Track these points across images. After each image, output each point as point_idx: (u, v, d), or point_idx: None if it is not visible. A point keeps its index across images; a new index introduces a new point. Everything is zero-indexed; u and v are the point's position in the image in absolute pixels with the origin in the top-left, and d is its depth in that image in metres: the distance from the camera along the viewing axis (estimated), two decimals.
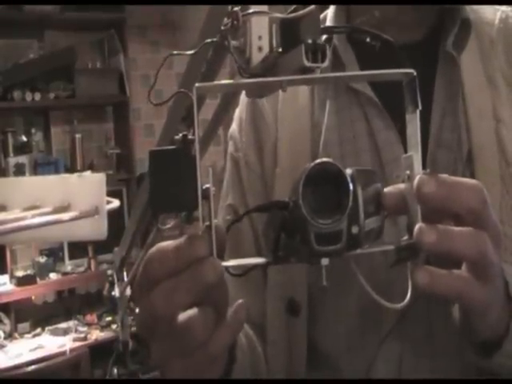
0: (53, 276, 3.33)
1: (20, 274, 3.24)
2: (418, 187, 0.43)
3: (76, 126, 3.52)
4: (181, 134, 0.43)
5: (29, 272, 3.26)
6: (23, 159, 3.27)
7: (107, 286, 0.98)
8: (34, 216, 0.40)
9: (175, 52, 0.49)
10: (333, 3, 0.76)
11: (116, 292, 0.94)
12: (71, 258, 3.44)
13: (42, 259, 3.32)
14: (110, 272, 0.98)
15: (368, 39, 0.47)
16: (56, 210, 0.42)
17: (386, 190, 0.46)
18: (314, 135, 0.72)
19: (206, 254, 0.42)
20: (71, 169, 3.44)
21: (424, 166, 0.45)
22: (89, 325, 3.32)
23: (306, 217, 0.41)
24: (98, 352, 3.07)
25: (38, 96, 3.22)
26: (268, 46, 0.43)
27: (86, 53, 3.54)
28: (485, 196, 0.45)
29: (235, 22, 0.43)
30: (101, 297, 3.32)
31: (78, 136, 3.48)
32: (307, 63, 0.41)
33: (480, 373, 0.60)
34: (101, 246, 3.28)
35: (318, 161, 0.42)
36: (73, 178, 0.45)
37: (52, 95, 3.28)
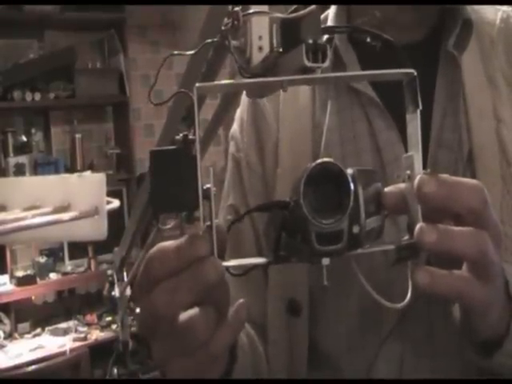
0: (53, 276, 3.33)
1: (20, 273, 3.24)
2: (419, 187, 0.43)
3: (76, 126, 3.52)
4: (181, 134, 0.43)
5: (29, 272, 3.26)
6: (23, 159, 3.27)
7: (107, 286, 0.98)
8: (34, 216, 0.40)
9: (175, 52, 0.49)
10: (333, 3, 0.76)
11: (116, 292, 0.94)
12: (71, 258, 3.44)
13: (42, 259, 3.32)
14: (109, 272, 0.98)
15: (369, 39, 0.47)
16: (56, 210, 0.42)
17: (386, 189, 0.46)
18: (316, 135, 0.72)
19: (206, 254, 0.42)
20: (71, 169, 3.44)
21: (425, 166, 0.45)
22: (89, 325, 3.32)
23: (307, 216, 0.41)
24: (98, 352, 3.07)
25: (38, 96, 3.22)
26: (268, 45, 0.43)
27: (85, 53, 3.54)
28: (485, 196, 0.45)
29: (236, 22, 0.43)
30: (101, 297, 3.32)
31: (77, 136, 3.48)
32: (308, 63, 0.41)
33: (481, 373, 0.60)
34: (101, 246, 3.28)
35: (319, 161, 0.42)
36: (73, 177, 0.45)
37: (52, 95, 3.28)
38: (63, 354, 3.00)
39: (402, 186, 0.46)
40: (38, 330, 3.26)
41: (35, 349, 3.04)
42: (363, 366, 0.69)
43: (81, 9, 3.29)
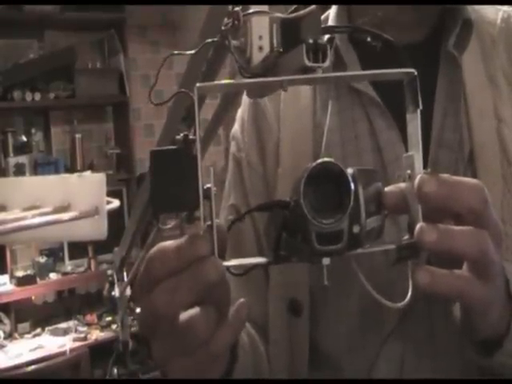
0: (53, 276, 3.33)
1: (20, 273, 3.24)
2: (419, 186, 0.43)
3: (76, 126, 3.52)
4: (182, 134, 0.43)
5: (29, 272, 3.26)
6: (23, 159, 3.27)
7: (107, 286, 0.98)
8: (34, 216, 0.40)
9: (176, 52, 0.49)
10: (334, 3, 0.76)
11: (116, 292, 0.94)
12: (71, 257, 3.44)
13: (42, 259, 3.32)
14: (109, 272, 0.98)
15: (369, 39, 0.47)
16: (56, 210, 0.42)
17: (386, 189, 0.46)
18: (316, 135, 0.72)
19: (207, 254, 0.42)
20: (71, 169, 3.44)
21: (425, 167, 0.45)
22: (89, 325, 3.32)
23: (308, 216, 0.41)
24: (98, 352, 3.07)
25: (37, 96, 3.22)
26: (268, 45, 0.43)
27: (86, 53, 3.54)
28: (485, 195, 0.45)
29: (236, 22, 0.43)
30: (101, 297, 3.32)
31: (77, 136, 3.48)
32: (308, 63, 0.41)
33: (482, 373, 0.60)
34: (101, 246, 3.28)
35: (319, 160, 0.42)
36: (73, 178, 0.45)
37: (52, 95, 3.28)
38: (63, 353, 3.00)
39: (403, 185, 0.46)
40: (38, 330, 3.26)
41: (35, 349, 3.04)
42: (364, 365, 0.69)
43: (81, 9, 3.29)
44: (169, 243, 0.44)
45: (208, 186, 0.42)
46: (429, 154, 0.67)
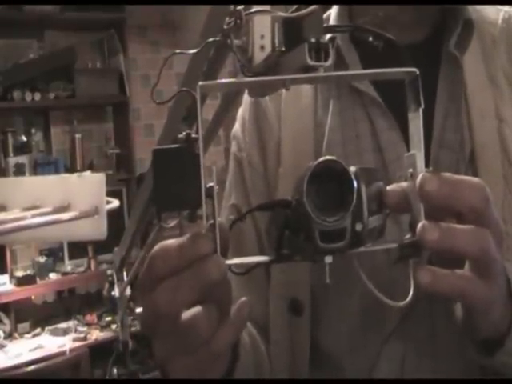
0: (53, 276, 3.33)
1: (20, 274, 3.24)
2: (421, 185, 0.44)
3: (76, 126, 3.52)
4: (184, 133, 0.43)
5: (29, 272, 3.26)
6: (23, 159, 3.27)
7: (107, 286, 0.98)
8: (33, 216, 0.40)
9: (178, 51, 0.49)
10: (335, 3, 0.76)
11: (116, 292, 0.94)
12: (71, 258, 3.44)
13: (42, 259, 3.32)
14: (109, 272, 0.98)
15: (371, 38, 0.47)
16: (56, 210, 0.42)
17: (388, 188, 0.46)
18: (318, 135, 0.73)
19: (209, 252, 0.42)
20: (71, 169, 3.44)
21: (427, 166, 0.45)
22: (89, 325, 3.32)
23: (311, 214, 0.41)
24: (98, 352, 3.07)
25: (37, 96, 3.22)
26: (270, 45, 0.43)
27: (86, 53, 3.54)
28: (487, 194, 0.46)
29: (238, 21, 0.43)
30: (101, 297, 3.32)
31: (77, 136, 3.48)
32: (310, 62, 0.41)
33: (483, 373, 0.60)
34: (101, 246, 3.28)
35: (321, 159, 0.42)
36: (73, 177, 0.45)
37: (52, 95, 3.28)
38: (63, 353, 3.00)
39: (404, 184, 0.46)
40: (38, 330, 3.26)
41: (35, 349, 3.04)
42: (365, 365, 0.69)
43: (81, 9, 3.29)
44: (171, 242, 0.44)
45: (210, 184, 0.42)
46: (430, 155, 0.68)
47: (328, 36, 0.46)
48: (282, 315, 0.72)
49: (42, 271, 3.29)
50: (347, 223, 0.42)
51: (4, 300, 3.15)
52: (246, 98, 0.80)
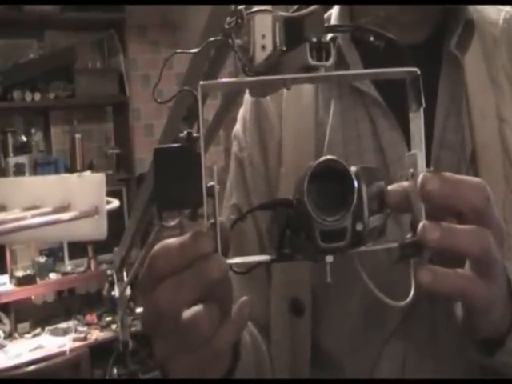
0: (53, 276, 3.33)
1: (20, 274, 3.24)
2: (422, 185, 0.44)
3: (76, 126, 3.52)
4: (185, 132, 0.43)
5: (29, 272, 3.26)
6: (23, 159, 3.27)
7: (107, 286, 0.98)
8: (33, 216, 0.40)
9: (179, 51, 0.49)
10: (336, 3, 0.76)
11: (116, 292, 0.93)
12: (71, 257, 3.44)
13: (42, 259, 3.32)
14: (109, 272, 0.98)
15: (372, 38, 0.47)
16: (56, 210, 0.42)
17: (389, 187, 0.46)
18: (319, 135, 0.73)
19: (210, 251, 0.42)
20: (71, 169, 3.44)
21: (428, 166, 0.45)
22: (89, 325, 3.32)
23: (311, 214, 0.41)
24: (98, 352, 3.08)
25: (37, 96, 3.22)
26: (271, 44, 0.43)
27: (86, 53, 3.54)
28: (488, 194, 0.46)
29: (239, 21, 0.43)
30: (101, 297, 3.32)
31: (77, 136, 3.48)
32: (311, 61, 0.41)
33: (484, 373, 0.60)
34: (101, 246, 3.28)
35: (322, 158, 0.43)
36: (73, 177, 0.45)
37: (52, 95, 3.28)
38: (63, 353, 3.00)
39: (405, 184, 0.46)
40: (38, 330, 3.26)
41: (35, 349, 3.04)
42: (366, 365, 0.69)
43: (81, 9, 3.29)
44: (172, 241, 0.44)
45: (211, 183, 0.42)
46: (431, 155, 0.68)
47: (329, 36, 0.46)
48: (282, 315, 0.72)
49: (42, 271, 3.29)
50: (348, 223, 0.42)
51: (4, 300, 3.15)
52: (247, 98, 0.80)
